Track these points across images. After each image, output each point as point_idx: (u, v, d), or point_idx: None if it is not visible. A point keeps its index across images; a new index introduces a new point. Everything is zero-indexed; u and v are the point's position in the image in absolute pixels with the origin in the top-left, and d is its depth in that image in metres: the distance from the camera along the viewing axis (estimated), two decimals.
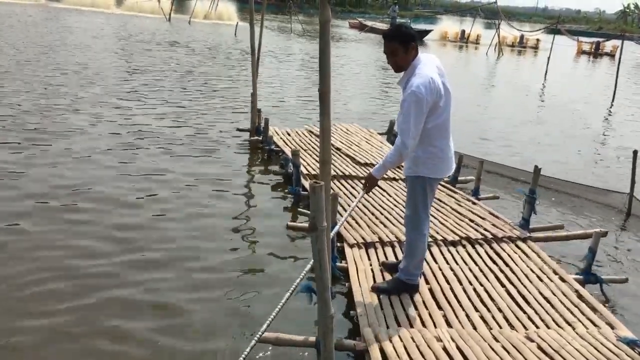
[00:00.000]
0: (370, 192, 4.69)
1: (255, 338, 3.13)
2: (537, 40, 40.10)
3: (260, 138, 8.61)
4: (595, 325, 3.94)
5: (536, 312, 4.08)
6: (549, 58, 24.18)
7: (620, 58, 19.23)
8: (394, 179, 7.10)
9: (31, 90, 11.03)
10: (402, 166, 4.25)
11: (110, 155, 7.57)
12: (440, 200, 6.34)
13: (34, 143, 7.73)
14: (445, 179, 5.95)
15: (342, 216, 5.58)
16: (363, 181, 6.61)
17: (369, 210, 5.93)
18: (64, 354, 3.62)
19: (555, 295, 4.35)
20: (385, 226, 5.54)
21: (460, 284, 4.46)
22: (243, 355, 3.06)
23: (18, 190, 6.09)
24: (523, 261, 4.94)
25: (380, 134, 9.73)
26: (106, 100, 10.92)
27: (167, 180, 6.90)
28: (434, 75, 3.77)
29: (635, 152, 6.93)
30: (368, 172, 7.17)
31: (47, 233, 5.21)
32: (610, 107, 16.98)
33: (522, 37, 41.29)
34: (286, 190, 6.77)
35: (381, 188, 6.67)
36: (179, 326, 4.00)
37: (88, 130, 8.71)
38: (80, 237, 5.20)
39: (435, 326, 3.81)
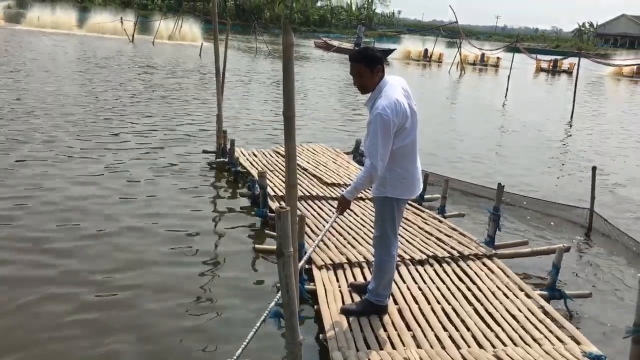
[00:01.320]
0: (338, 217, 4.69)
1: None
2: (498, 58, 41.09)
3: (227, 160, 8.55)
4: (561, 341, 3.99)
5: (503, 330, 4.11)
6: (509, 76, 24.77)
7: (577, 75, 19.84)
8: (362, 198, 7.12)
9: None
10: (370, 187, 4.27)
11: (71, 177, 7.41)
12: (407, 219, 6.38)
13: None
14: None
15: (310, 237, 5.58)
16: (333, 202, 6.70)
17: (337, 231, 5.93)
18: None
19: (521, 311, 4.40)
20: (353, 247, 5.54)
21: (429, 303, 4.48)
22: None
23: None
24: (489, 278, 5.00)
25: (346, 153, 9.77)
26: (71, 120, 10.72)
27: (132, 201, 6.78)
28: (400, 97, 3.81)
29: (594, 169, 7.11)
30: (335, 192, 7.29)
31: None
32: (570, 122, 17.46)
33: (483, 55, 42.25)
34: (253, 213, 6.72)
35: (349, 208, 6.66)
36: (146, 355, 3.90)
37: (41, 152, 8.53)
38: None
39: (404, 346, 3.81)
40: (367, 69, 3.88)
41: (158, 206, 6.78)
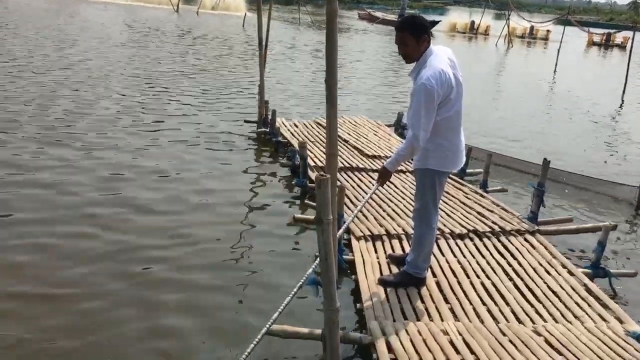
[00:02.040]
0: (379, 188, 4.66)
1: (263, 330, 3.14)
2: (547, 31, 39.76)
3: (267, 130, 8.59)
4: (603, 319, 3.90)
5: (544, 306, 4.05)
6: (559, 49, 23.97)
7: (631, 49, 19.03)
8: (402, 171, 7.06)
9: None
10: (412, 159, 4.22)
11: (121, 142, 7.59)
12: (448, 193, 6.30)
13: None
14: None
15: (349, 208, 5.58)
16: (373, 175, 6.66)
17: (376, 203, 5.90)
18: None
19: (563, 289, 4.31)
20: (392, 219, 5.51)
21: (468, 277, 4.44)
22: (251, 346, 3.08)
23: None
24: (531, 254, 4.91)
25: (388, 125, 9.68)
26: (118, 88, 10.94)
27: (174, 170, 6.90)
28: (445, 67, 3.72)
29: None
30: (375, 164, 7.24)
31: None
32: (622, 99, 16.82)
33: (532, 28, 40.95)
34: (293, 183, 6.76)
35: (389, 180, 6.62)
36: (187, 313, 4.00)
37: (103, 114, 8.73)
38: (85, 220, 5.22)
39: (442, 319, 3.79)
40: (412, 37, 3.79)
41: (197, 176, 6.87)
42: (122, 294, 4.22)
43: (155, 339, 3.76)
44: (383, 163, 4.15)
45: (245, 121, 9.32)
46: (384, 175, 4.08)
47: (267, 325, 3.22)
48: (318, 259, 3.63)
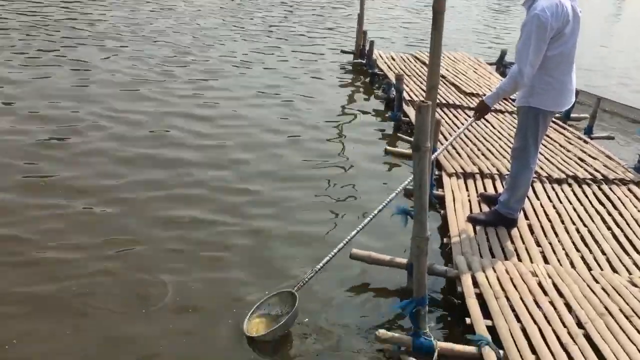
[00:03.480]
0: (474, 123, 4.52)
1: (347, 239, 3.26)
2: None
3: (364, 61, 8.47)
4: None
5: None
6: None
7: None
8: (500, 111, 6.80)
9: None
10: (515, 95, 4.04)
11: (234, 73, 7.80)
12: (548, 136, 6.01)
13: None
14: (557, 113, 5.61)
15: (442, 144, 5.47)
16: (470, 112, 6.45)
17: (471, 141, 5.76)
18: None
19: None
20: (486, 158, 5.37)
21: (562, 222, 4.28)
22: (333, 252, 3.21)
23: None
24: (634, 206, 4.64)
25: (489, 63, 9.27)
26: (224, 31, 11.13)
27: (271, 96, 7.02)
28: None
29: None
30: (473, 101, 6.99)
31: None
32: None
33: None
34: (387, 115, 6.69)
35: (484, 119, 6.41)
36: (277, 219, 4.16)
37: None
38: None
39: (531, 261, 3.71)
40: None
41: (294, 104, 6.94)
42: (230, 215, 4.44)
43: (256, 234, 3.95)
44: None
45: (342, 51, 9.23)
46: (482, 110, 3.95)
47: (349, 237, 3.32)
48: (405, 183, 3.65)
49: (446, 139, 5.77)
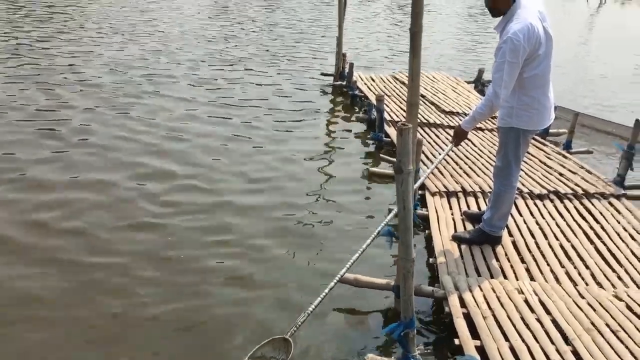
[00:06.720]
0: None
1: (337, 278, 3.21)
2: None
3: (344, 83, 8.53)
4: None
5: (626, 271, 3.88)
6: None
7: None
8: (481, 129, 6.87)
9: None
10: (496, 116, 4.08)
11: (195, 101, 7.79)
12: (528, 152, 6.06)
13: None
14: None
15: (425, 164, 5.51)
16: (450, 131, 6.51)
17: (453, 160, 5.79)
18: None
19: None
20: (468, 176, 5.40)
21: (546, 238, 4.31)
22: (324, 293, 3.15)
23: None
24: (615, 219, 4.69)
25: (468, 82, 9.39)
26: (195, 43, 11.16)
27: (252, 122, 7.02)
28: (535, 20, 3.53)
29: None
30: (453, 120, 7.06)
31: None
32: None
33: None
34: (369, 136, 6.72)
35: (465, 139, 6.46)
36: (256, 265, 4.13)
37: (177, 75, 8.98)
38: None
39: (517, 278, 3.73)
40: None
41: (270, 126, 6.95)
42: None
43: (231, 281, 3.92)
44: (460, 121, 4.04)
45: (322, 74, 9.30)
46: (460, 135, 3.99)
47: (341, 273, 3.28)
48: (392, 211, 3.65)
49: (428, 158, 5.82)
